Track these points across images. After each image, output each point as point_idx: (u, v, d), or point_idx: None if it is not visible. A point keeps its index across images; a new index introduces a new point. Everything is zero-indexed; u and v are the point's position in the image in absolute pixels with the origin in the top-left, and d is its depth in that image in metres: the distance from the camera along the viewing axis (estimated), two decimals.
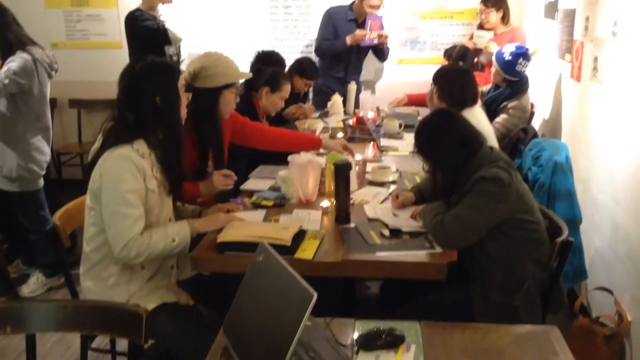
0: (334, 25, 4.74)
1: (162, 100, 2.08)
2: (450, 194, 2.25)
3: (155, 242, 2.04)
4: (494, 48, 4.17)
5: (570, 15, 3.53)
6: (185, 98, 2.20)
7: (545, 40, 4.12)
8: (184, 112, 2.20)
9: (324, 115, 4.53)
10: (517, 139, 3.53)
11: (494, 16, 4.56)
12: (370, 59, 4.97)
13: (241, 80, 3.04)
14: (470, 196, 2.10)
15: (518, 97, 3.72)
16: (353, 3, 4.80)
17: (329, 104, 4.58)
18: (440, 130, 2.25)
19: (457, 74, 3.26)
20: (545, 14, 4.17)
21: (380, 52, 4.83)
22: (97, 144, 2.15)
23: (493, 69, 3.81)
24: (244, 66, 5.00)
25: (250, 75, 2.87)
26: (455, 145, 2.19)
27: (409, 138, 3.78)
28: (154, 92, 2.07)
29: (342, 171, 2.37)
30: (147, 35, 3.93)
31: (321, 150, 3.19)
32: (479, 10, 4.68)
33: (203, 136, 2.69)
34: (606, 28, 2.92)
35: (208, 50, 2.75)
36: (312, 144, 3.10)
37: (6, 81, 3.16)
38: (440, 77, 3.16)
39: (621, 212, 2.69)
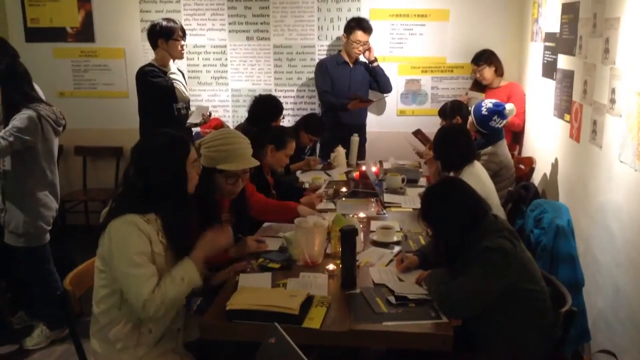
0: (328, 73, 4.88)
1: (168, 177, 2.17)
2: (452, 261, 2.29)
3: (167, 291, 2.07)
4: None
5: (569, 76, 3.63)
6: (195, 171, 2.27)
7: (544, 98, 4.22)
8: (193, 183, 2.26)
9: (327, 167, 4.60)
10: (518, 196, 3.58)
11: (488, 71, 4.75)
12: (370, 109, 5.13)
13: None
14: (475, 266, 2.14)
15: (492, 144, 3.89)
16: (340, 50, 4.99)
17: (332, 155, 4.66)
18: (445, 200, 2.31)
19: (451, 135, 3.39)
20: (543, 73, 4.28)
21: (379, 82, 4.97)
22: (107, 208, 2.21)
23: (470, 119, 3.94)
24: (246, 116, 5.16)
25: (256, 164, 2.80)
26: (459, 215, 2.24)
27: (412, 193, 3.85)
28: (161, 168, 2.16)
29: (348, 237, 2.42)
30: (155, 92, 4.02)
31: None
32: (472, 70, 4.87)
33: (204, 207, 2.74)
34: (604, 94, 3.01)
35: (228, 130, 2.89)
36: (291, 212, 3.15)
37: (10, 139, 3.21)
38: (437, 143, 3.31)
39: (622, 275, 2.73)
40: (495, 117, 3.85)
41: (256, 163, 2.79)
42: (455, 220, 2.25)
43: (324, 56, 5.19)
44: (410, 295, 2.27)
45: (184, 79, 4.36)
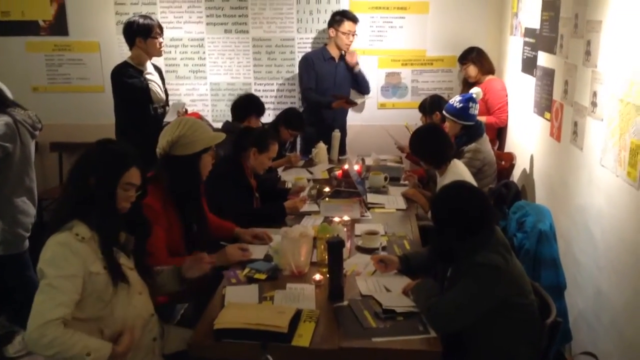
0: (314, 69, 4.83)
1: (96, 186, 2.10)
2: (446, 262, 2.32)
3: (72, 344, 1.93)
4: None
5: (549, 74, 3.64)
6: (125, 196, 2.17)
7: (524, 94, 4.24)
8: (122, 205, 2.17)
9: (309, 163, 4.58)
10: (499, 194, 3.61)
11: (472, 69, 4.79)
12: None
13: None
14: (466, 281, 2.16)
15: (475, 140, 3.94)
16: (326, 44, 4.94)
17: (314, 151, 4.63)
18: (457, 201, 2.29)
19: (425, 136, 3.50)
20: (523, 68, 4.29)
21: (359, 84, 4.99)
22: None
23: (447, 124, 3.98)
24: (225, 110, 5.12)
25: (224, 136, 2.86)
26: (467, 218, 2.22)
27: (395, 192, 3.86)
28: (91, 175, 2.10)
29: (335, 249, 2.42)
30: (130, 93, 3.95)
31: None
32: (460, 69, 4.94)
33: (185, 206, 2.74)
34: (585, 97, 3.02)
35: (179, 118, 2.87)
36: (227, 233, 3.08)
37: None
38: (413, 146, 3.47)
39: (604, 279, 2.77)
40: (471, 104, 3.93)
41: (223, 136, 2.86)
42: (461, 223, 2.22)
43: (305, 49, 5.14)
44: (398, 309, 2.27)
45: (161, 76, 4.27)
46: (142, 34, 3.96)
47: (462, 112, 3.91)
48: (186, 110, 4.41)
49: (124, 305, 2.13)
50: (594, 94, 2.92)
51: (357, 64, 4.95)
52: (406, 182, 4.03)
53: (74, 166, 2.17)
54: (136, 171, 2.19)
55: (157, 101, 4.05)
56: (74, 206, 2.11)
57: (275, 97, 5.31)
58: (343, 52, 4.89)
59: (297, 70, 5.13)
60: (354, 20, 4.76)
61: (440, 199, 2.37)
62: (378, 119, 5.27)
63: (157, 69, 4.26)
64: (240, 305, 2.31)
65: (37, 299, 1.97)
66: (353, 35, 4.79)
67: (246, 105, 4.33)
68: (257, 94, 5.22)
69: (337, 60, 4.88)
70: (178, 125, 2.73)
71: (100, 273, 2.07)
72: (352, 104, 4.80)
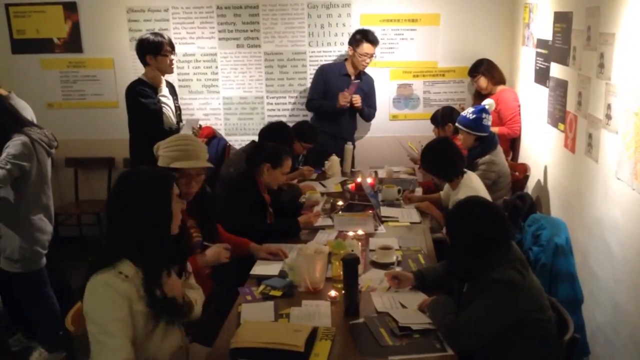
0: (325, 82, 4.85)
1: (149, 219, 2.02)
2: (461, 279, 2.31)
3: None
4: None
5: (563, 86, 3.63)
6: (179, 207, 2.13)
7: (537, 105, 4.22)
8: (177, 222, 2.12)
9: (322, 176, 4.59)
10: (514, 207, 3.59)
11: (483, 81, 4.78)
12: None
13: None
14: (482, 298, 2.15)
15: (489, 152, 3.92)
16: (346, 59, 4.94)
17: (327, 164, 4.64)
18: (469, 219, 2.29)
19: (436, 150, 3.52)
20: (536, 79, 4.28)
21: (362, 114, 4.98)
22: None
23: (461, 136, 3.99)
24: (238, 124, 5.15)
25: (210, 165, 2.77)
26: (485, 239, 2.22)
27: (408, 205, 3.85)
28: (142, 210, 2.01)
29: (350, 266, 2.42)
30: (143, 114, 3.97)
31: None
32: (471, 81, 4.95)
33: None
34: (600, 109, 3.01)
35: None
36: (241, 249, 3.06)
37: (8, 167, 3.15)
38: (424, 160, 3.51)
39: (622, 292, 2.75)
40: (484, 115, 3.92)
41: (209, 165, 2.77)
42: (477, 241, 2.22)
43: (316, 62, 5.15)
44: (414, 326, 2.27)
45: (174, 92, 4.28)
46: (152, 51, 3.97)
47: (476, 123, 3.90)
48: (200, 127, 4.45)
49: (159, 339, 2.07)
50: (608, 107, 2.90)
51: (360, 107, 4.87)
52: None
53: (114, 208, 2.06)
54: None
55: (168, 125, 4.06)
56: (123, 246, 2.01)
57: (287, 110, 5.33)
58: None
59: (309, 84, 5.15)
60: (374, 43, 4.71)
61: (455, 218, 2.37)
62: (390, 130, 5.28)
63: (170, 86, 4.29)
64: (256, 323, 2.31)
65: (94, 350, 1.92)
66: (370, 57, 4.76)
67: (267, 129, 4.29)
68: (269, 107, 5.30)
69: (352, 78, 4.85)
70: (176, 135, 2.77)
71: (143, 311, 1.99)
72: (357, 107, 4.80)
